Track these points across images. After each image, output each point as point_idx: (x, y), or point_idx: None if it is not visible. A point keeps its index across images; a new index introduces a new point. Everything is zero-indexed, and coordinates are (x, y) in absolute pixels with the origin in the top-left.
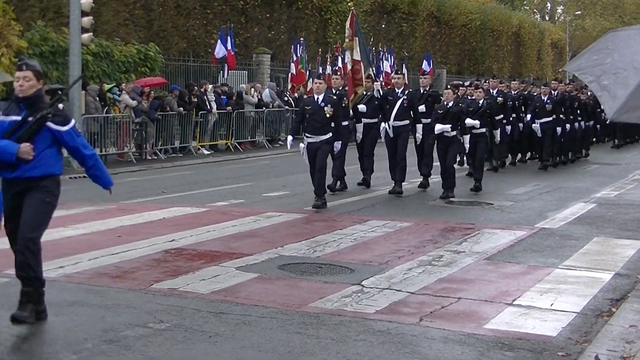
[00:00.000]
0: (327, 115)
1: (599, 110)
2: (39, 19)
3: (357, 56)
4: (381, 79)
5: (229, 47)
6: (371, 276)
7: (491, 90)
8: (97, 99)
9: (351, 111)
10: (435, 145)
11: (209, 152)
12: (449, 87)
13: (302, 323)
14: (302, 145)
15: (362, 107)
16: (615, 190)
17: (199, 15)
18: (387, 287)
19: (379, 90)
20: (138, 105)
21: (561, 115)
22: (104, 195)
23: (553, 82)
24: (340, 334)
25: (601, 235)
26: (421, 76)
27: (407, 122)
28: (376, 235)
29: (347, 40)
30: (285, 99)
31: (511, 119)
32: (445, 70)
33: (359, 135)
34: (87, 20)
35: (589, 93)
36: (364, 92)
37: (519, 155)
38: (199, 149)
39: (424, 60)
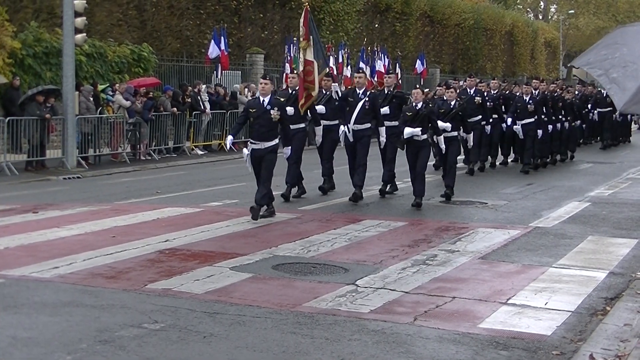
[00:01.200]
0: (273, 119)
1: (585, 110)
2: (33, 19)
3: (310, 56)
4: (375, 79)
5: (223, 47)
6: (365, 276)
7: (468, 90)
8: (91, 99)
9: (309, 113)
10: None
11: (202, 153)
12: (417, 86)
13: (297, 323)
14: (245, 151)
15: (320, 108)
16: (609, 189)
17: (192, 16)
18: (381, 286)
19: (337, 92)
20: (132, 106)
21: (543, 116)
22: (98, 196)
23: (534, 81)
24: (334, 334)
25: (595, 234)
26: (386, 75)
27: (368, 125)
28: (370, 235)
29: (300, 39)
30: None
31: (491, 120)
32: (439, 69)
33: (318, 139)
34: (80, 21)
35: (576, 92)
36: (325, 92)
37: (501, 158)
38: (192, 149)
39: (418, 60)
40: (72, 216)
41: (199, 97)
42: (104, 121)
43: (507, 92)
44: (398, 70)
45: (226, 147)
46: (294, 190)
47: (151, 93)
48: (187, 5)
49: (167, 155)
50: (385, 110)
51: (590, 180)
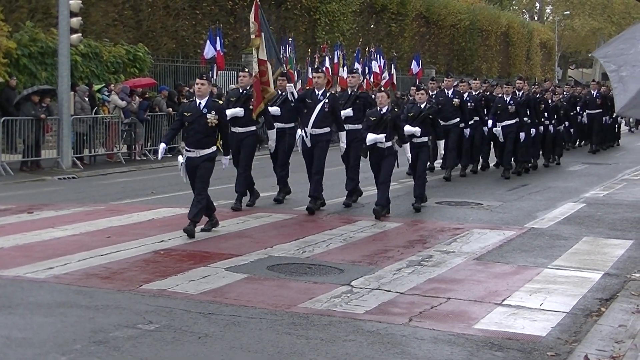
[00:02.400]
0: (210, 124)
1: (573, 112)
2: (28, 19)
3: (263, 55)
4: (371, 79)
5: (218, 48)
6: (360, 276)
7: (446, 91)
8: (87, 99)
9: (262, 116)
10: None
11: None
12: (381, 89)
13: (292, 323)
14: (180, 159)
15: (275, 110)
16: (605, 190)
17: (187, 16)
18: (376, 287)
19: (292, 93)
20: (127, 106)
21: (526, 119)
22: (93, 196)
23: (517, 81)
24: (329, 335)
25: (590, 235)
26: (349, 75)
27: (327, 129)
28: (365, 236)
29: (252, 36)
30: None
31: (472, 122)
32: (434, 70)
33: (272, 144)
34: (75, 21)
35: (565, 93)
36: (279, 92)
37: (482, 162)
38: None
39: (413, 61)
40: (67, 216)
41: (194, 98)
42: (100, 121)
43: (489, 93)
44: (393, 70)
45: (158, 155)
46: (247, 199)
47: (147, 93)
48: (182, 5)
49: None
50: (347, 112)
51: (586, 182)
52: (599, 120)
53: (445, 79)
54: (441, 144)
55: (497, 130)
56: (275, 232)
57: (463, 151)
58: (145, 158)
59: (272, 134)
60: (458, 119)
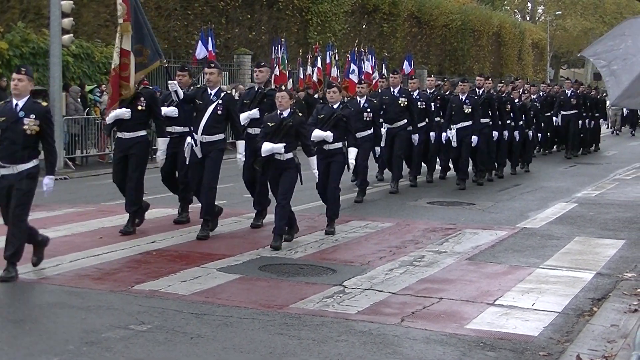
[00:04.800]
0: (28, 132)
1: (548, 114)
2: (19, 20)
3: (127, 45)
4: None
5: (210, 48)
6: (353, 277)
7: (392, 89)
8: (79, 100)
9: (107, 121)
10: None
11: None
12: (282, 88)
13: (284, 324)
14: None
15: (170, 111)
16: (596, 189)
17: (179, 17)
18: (368, 287)
19: (176, 92)
20: None
21: (487, 120)
22: (85, 197)
23: (478, 78)
24: (321, 335)
25: (582, 234)
26: (256, 69)
27: (221, 136)
28: (357, 236)
29: (119, 20)
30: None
31: (423, 124)
32: (427, 70)
33: (160, 156)
34: (67, 22)
35: (541, 93)
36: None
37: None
38: None
39: (405, 61)
40: (58, 217)
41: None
42: (92, 122)
43: (449, 91)
44: (384, 70)
45: None
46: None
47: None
48: (174, 6)
49: (154, 156)
50: (254, 113)
51: (577, 181)
52: (574, 122)
53: (391, 75)
54: (353, 152)
55: (451, 133)
56: (267, 233)
57: (413, 159)
58: None
59: (162, 143)
60: (406, 121)
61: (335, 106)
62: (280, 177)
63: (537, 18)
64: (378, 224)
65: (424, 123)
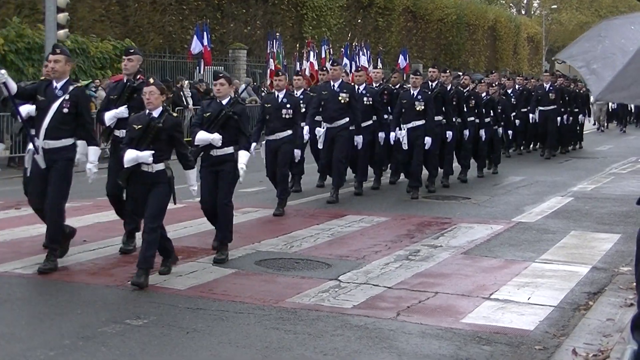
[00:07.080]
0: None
1: (515, 113)
2: (15, 15)
3: None
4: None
5: (205, 43)
6: (348, 271)
7: (332, 83)
8: None
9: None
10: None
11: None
12: (151, 82)
13: (280, 318)
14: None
15: (120, 112)
16: (592, 184)
17: (174, 11)
18: (364, 281)
19: (4, 83)
20: None
21: (441, 118)
22: (80, 192)
23: (431, 69)
24: (317, 329)
25: (578, 229)
26: (125, 57)
27: (70, 140)
28: (353, 230)
29: None
30: (262, 94)
31: (371, 122)
32: (422, 65)
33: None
34: (62, 17)
35: (517, 87)
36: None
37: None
38: None
39: (400, 55)
40: None
41: (181, 93)
42: None
43: (397, 85)
44: (380, 65)
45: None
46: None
47: None
48: (169, 1)
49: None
50: (121, 111)
51: (573, 175)
52: (552, 118)
53: (330, 67)
54: (243, 155)
55: (401, 133)
56: (263, 227)
57: (358, 162)
58: None
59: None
60: (347, 119)
61: (224, 102)
62: (148, 195)
63: (532, 12)
64: (373, 219)
65: (370, 122)
